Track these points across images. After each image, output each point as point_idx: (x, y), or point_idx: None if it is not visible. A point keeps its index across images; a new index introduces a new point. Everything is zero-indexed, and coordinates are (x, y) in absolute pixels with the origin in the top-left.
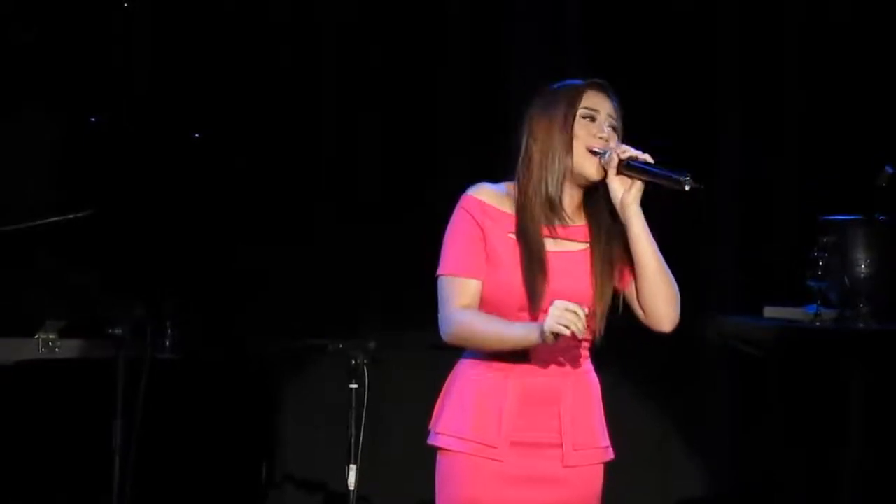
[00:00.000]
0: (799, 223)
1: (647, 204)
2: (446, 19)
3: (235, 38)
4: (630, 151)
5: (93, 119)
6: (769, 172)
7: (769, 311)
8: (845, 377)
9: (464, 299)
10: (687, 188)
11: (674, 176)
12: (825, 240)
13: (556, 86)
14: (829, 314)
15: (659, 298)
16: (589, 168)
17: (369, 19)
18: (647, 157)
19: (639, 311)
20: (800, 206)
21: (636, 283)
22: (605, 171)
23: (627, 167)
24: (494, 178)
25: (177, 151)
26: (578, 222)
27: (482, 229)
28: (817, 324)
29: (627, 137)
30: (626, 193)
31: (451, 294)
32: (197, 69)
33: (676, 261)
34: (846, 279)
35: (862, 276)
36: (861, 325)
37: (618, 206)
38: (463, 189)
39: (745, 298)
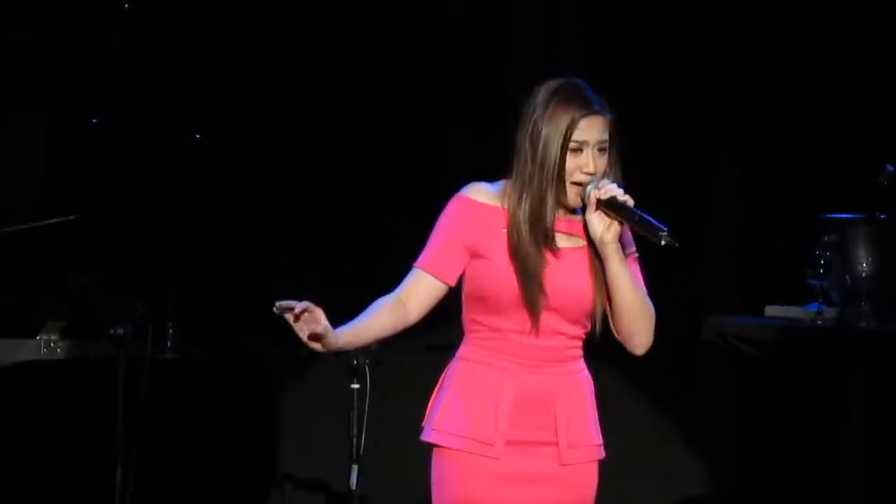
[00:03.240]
0: (800, 222)
1: (650, 203)
2: (446, 18)
3: (235, 38)
4: (610, 192)
5: (94, 120)
6: (769, 172)
7: (770, 310)
8: (846, 376)
9: (406, 287)
10: (662, 243)
11: (652, 226)
12: (826, 238)
13: (553, 100)
14: (830, 313)
15: (634, 331)
16: (573, 198)
17: (369, 19)
18: (628, 200)
19: (614, 330)
20: (800, 204)
21: (612, 312)
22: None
23: (606, 205)
24: (494, 179)
25: (178, 152)
26: (574, 218)
27: (469, 229)
28: (819, 323)
29: (628, 145)
30: (605, 232)
31: (404, 282)
32: (197, 70)
33: (677, 261)
34: (847, 278)
35: (863, 274)
36: (862, 324)
37: (596, 242)
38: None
39: (746, 298)
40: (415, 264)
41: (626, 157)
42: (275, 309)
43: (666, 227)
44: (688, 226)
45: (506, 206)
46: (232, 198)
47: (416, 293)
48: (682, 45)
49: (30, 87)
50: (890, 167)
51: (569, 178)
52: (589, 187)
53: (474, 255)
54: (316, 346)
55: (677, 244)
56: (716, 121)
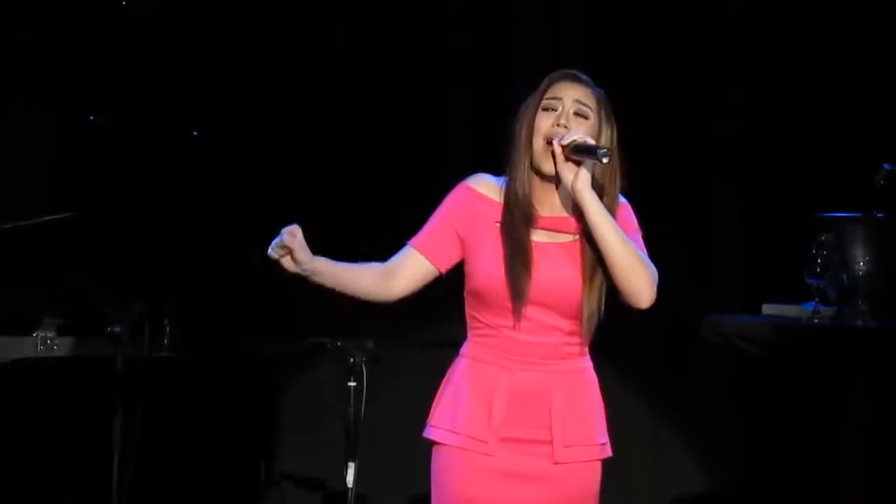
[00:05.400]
0: (797, 221)
1: (652, 203)
2: (447, 18)
3: (235, 36)
4: (570, 137)
5: (92, 118)
6: (768, 170)
7: (767, 309)
8: (844, 375)
9: (395, 261)
10: (604, 161)
11: (594, 152)
12: (823, 237)
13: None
14: (827, 312)
15: (628, 279)
16: (547, 164)
17: (368, 19)
18: (588, 140)
19: (618, 293)
20: (797, 203)
21: (608, 269)
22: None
23: (571, 151)
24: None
25: (176, 150)
26: (567, 214)
27: (465, 218)
28: (816, 321)
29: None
30: (575, 179)
31: (394, 256)
32: (194, 67)
33: (676, 259)
34: (844, 277)
35: (860, 273)
36: (859, 323)
37: (572, 194)
38: None
39: (744, 296)
40: (408, 242)
41: (626, 155)
42: (273, 254)
43: (603, 146)
44: (687, 225)
45: (502, 199)
46: (230, 195)
47: (404, 269)
48: (683, 42)
49: (28, 85)
50: (887, 166)
51: (543, 135)
52: (555, 141)
53: (466, 247)
54: (290, 264)
55: (611, 151)
56: (716, 119)
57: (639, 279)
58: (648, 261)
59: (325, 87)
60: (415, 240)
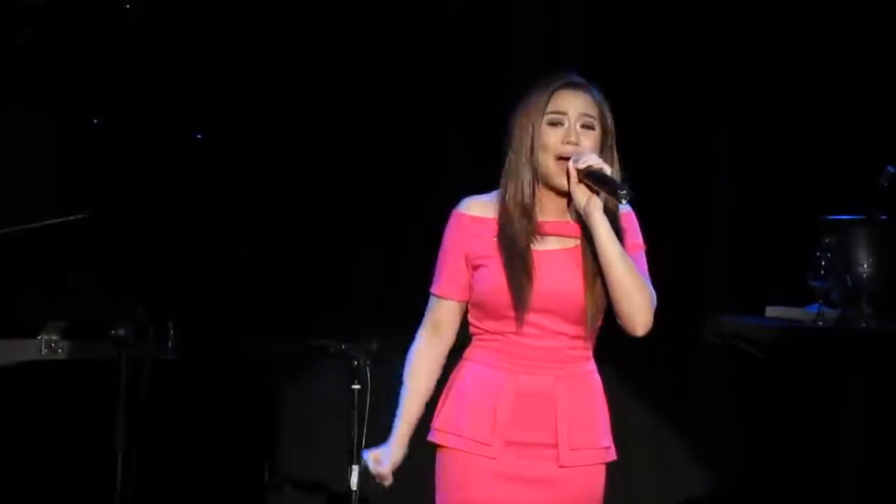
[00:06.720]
0: (800, 223)
1: (653, 204)
2: (447, 18)
3: (234, 37)
4: (587, 162)
5: (95, 120)
6: (771, 172)
7: (771, 311)
8: (847, 377)
9: (435, 315)
10: (624, 202)
11: (615, 189)
12: (827, 240)
13: (534, 86)
14: (831, 314)
15: (628, 304)
16: (561, 178)
17: (368, 19)
18: (604, 168)
19: (616, 314)
20: (801, 206)
21: (609, 291)
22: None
23: (586, 176)
24: (494, 179)
25: (178, 152)
26: (569, 219)
27: (466, 245)
28: (819, 324)
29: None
30: (588, 203)
31: (428, 309)
32: (197, 69)
33: (678, 261)
34: (848, 279)
35: (864, 275)
36: (863, 325)
37: (582, 215)
38: (462, 190)
39: (747, 299)
40: (432, 291)
41: (627, 155)
42: (383, 483)
43: (625, 184)
44: (689, 226)
45: (497, 215)
46: (233, 197)
47: (445, 320)
48: (683, 42)
49: (29, 86)
50: (891, 168)
51: (553, 153)
52: (570, 161)
53: (473, 267)
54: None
55: (634, 194)
56: (716, 120)
57: (638, 305)
58: (650, 285)
59: (324, 87)
60: (437, 288)
